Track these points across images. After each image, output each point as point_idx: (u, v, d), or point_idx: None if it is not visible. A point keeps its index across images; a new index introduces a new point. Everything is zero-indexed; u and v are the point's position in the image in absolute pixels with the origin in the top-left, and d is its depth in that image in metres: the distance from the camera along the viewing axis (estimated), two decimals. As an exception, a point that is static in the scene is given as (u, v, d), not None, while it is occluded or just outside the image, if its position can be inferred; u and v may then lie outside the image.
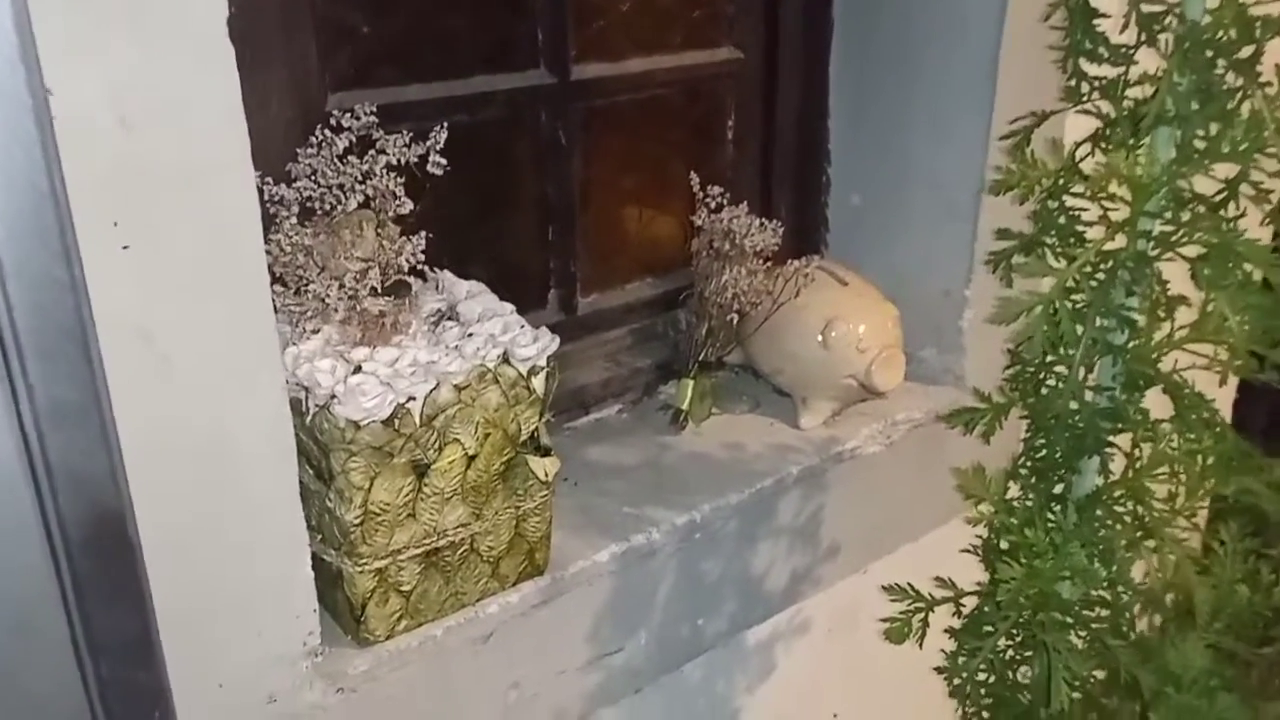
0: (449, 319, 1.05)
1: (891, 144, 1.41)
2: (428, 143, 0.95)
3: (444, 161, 0.96)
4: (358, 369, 0.93)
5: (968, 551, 1.09)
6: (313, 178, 0.97)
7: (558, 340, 1.03)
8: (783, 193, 1.48)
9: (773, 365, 1.39)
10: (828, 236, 1.51)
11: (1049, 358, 0.93)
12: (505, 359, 0.99)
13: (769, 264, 1.28)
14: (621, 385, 1.42)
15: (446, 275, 1.12)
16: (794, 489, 1.27)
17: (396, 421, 0.92)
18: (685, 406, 1.38)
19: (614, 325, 1.37)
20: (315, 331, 0.98)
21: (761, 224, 1.25)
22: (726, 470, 1.25)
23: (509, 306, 1.06)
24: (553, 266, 1.32)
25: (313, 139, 0.97)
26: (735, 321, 1.31)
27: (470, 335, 1.00)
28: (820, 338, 1.26)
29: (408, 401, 0.93)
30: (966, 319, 1.43)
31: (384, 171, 0.94)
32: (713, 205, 1.25)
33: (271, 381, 0.83)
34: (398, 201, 0.97)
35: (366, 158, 0.95)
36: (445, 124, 0.94)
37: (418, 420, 0.94)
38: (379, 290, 0.97)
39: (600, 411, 1.42)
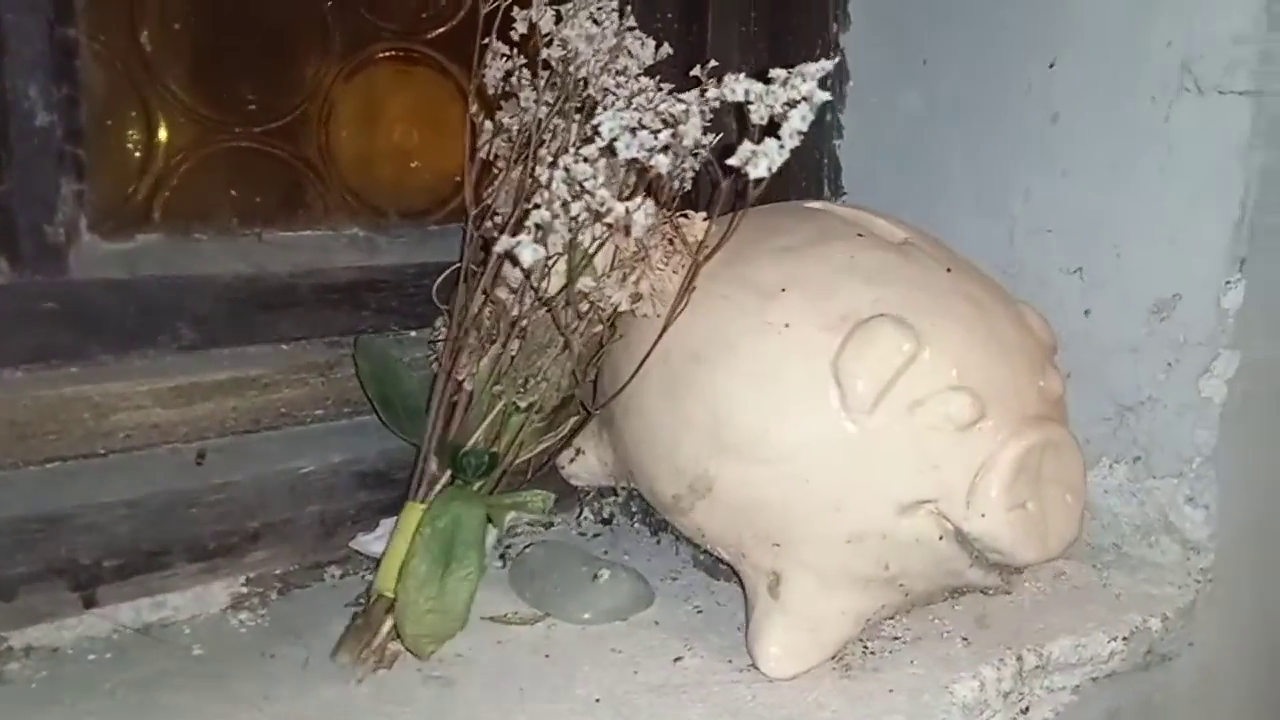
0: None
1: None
2: None
3: None
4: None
5: None
6: None
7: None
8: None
9: (684, 470, 0.48)
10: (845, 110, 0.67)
11: None
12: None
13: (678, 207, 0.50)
14: (239, 524, 0.51)
15: None
16: None
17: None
18: (395, 591, 0.45)
19: (223, 337, 0.53)
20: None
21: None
22: None
23: None
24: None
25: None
26: (583, 344, 0.48)
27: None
28: (837, 391, 0.44)
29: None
30: (1219, 370, 0.55)
31: None
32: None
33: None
34: None
35: None
36: None
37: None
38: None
39: (160, 597, 0.49)
